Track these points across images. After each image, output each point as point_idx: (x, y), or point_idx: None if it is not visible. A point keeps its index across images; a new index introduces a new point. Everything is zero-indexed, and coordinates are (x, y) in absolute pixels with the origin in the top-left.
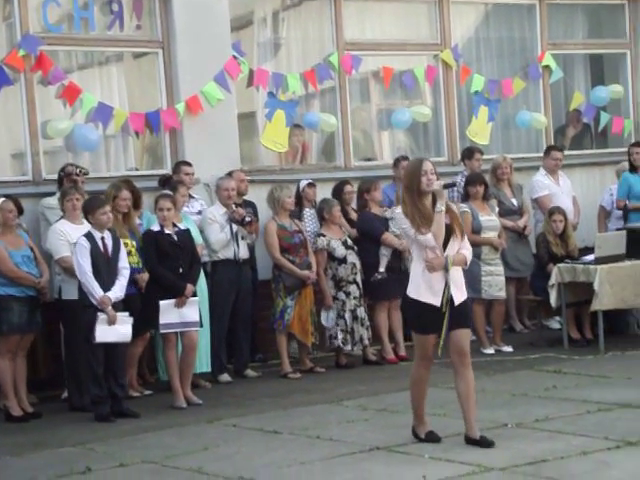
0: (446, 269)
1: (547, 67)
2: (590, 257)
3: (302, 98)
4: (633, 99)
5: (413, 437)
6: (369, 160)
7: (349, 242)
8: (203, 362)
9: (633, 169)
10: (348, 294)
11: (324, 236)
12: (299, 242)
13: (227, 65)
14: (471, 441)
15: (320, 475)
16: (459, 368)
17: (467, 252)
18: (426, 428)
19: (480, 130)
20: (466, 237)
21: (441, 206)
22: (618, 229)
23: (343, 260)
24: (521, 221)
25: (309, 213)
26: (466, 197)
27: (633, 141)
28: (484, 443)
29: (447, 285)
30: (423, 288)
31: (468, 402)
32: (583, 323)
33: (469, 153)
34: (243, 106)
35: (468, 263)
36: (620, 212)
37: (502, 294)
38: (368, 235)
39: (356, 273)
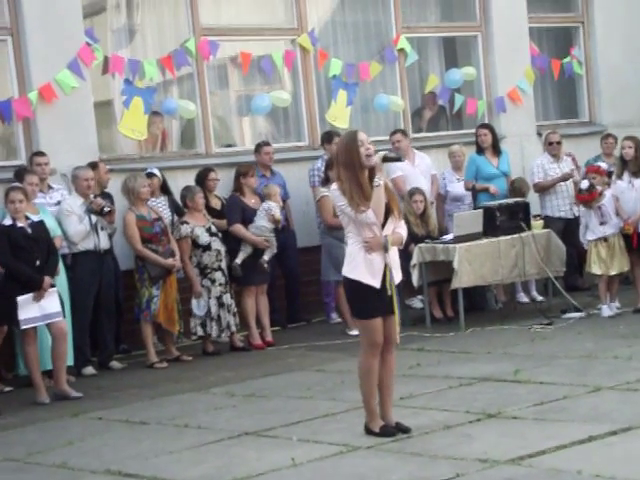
0: (385, 249)
1: (402, 50)
2: (449, 236)
3: (160, 85)
4: (485, 81)
5: (366, 433)
6: (230, 146)
7: (213, 229)
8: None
9: (480, 150)
10: (213, 281)
11: (187, 223)
12: (160, 231)
13: (80, 52)
14: (386, 428)
15: (189, 463)
16: (384, 354)
17: (403, 231)
18: (379, 422)
19: (339, 114)
20: (401, 217)
21: (379, 180)
22: (476, 208)
23: (207, 247)
24: None
25: (157, 202)
26: (327, 181)
27: (487, 122)
28: (401, 429)
29: (387, 266)
30: (362, 269)
31: (388, 389)
32: (444, 301)
33: (328, 137)
34: (99, 94)
35: (404, 243)
36: (456, 193)
37: None
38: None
39: (221, 260)
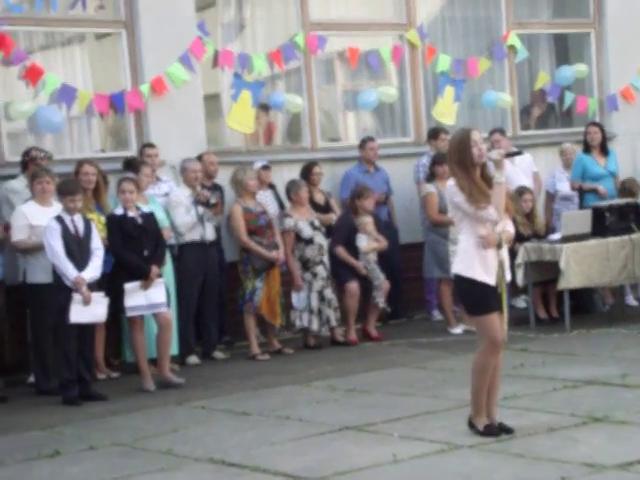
0: (500, 246)
1: (512, 47)
2: (556, 236)
3: (268, 79)
4: (597, 78)
5: (469, 428)
6: (335, 141)
7: (316, 223)
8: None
9: (587, 149)
10: (315, 275)
11: (291, 217)
12: (265, 223)
13: (192, 46)
14: (490, 427)
15: (290, 455)
16: None
17: (512, 229)
18: (484, 420)
19: (446, 110)
20: (511, 214)
21: (501, 177)
22: (583, 208)
23: (310, 241)
24: None
25: (264, 195)
26: (432, 177)
27: (598, 120)
28: (504, 429)
29: (500, 263)
30: (477, 266)
31: (495, 388)
32: (549, 302)
33: (434, 133)
34: (209, 87)
35: (512, 241)
36: (565, 192)
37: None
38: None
39: (323, 254)
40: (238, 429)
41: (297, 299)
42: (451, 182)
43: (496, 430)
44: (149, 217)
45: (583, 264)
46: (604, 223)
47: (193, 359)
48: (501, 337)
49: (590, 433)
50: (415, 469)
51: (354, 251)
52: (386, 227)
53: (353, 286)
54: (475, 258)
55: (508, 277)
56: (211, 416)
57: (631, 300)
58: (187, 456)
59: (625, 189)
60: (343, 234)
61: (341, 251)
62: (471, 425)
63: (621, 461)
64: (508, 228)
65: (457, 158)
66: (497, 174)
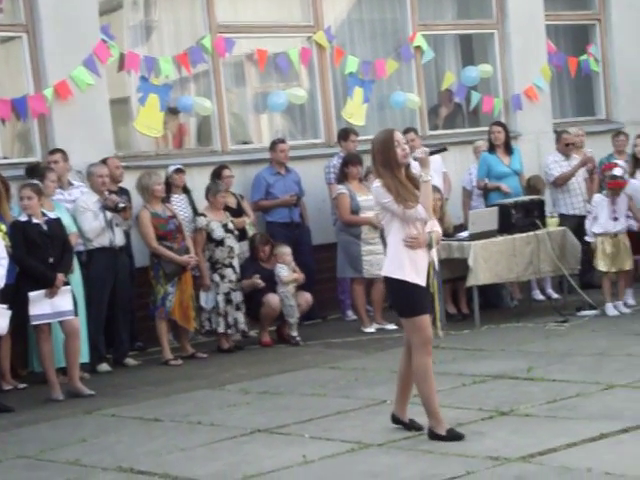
0: (430, 246)
1: (419, 48)
2: (464, 234)
3: (176, 82)
4: (502, 78)
5: (430, 439)
6: (246, 143)
7: (229, 226)
8: (81, 352)
9: (492, 148)
10: (223, 277)
11: (205, 216)
12: (174, 228)
13: (96, 49)
14: (453, 431)
15: (201, 460)
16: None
17: (439, 229)
18: (444, 426)
19: (356, 111)
20: (435, 215)
21: (427, 175)
22: (489, 206)
23: (221, 242)
24: None
25: (178, 199)
26: (343, 178)
27: (503, 120)
28: (415, 426)
29: (431, 264)
30: (408, 267)
31: (409, 386)
32: (459, 298)
33: (344, 134)
34: (116, 91)
35: (440, 241)
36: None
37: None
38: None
39: (233, 257)
40: (149, 436)
41: (205, 299)
42: (377, 183)
43: (459, 432)
44: (55, 223)
45: (491, 261)
46: (510, 220)
47: (104, 367)
48: (431, 335)
49: (496, 427)
50: (325, 469)
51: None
52: (298, 228)
53: (273, 300)
54: (405, 259)
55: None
56: (121, 424)
57: (538, 295)
58: (95, 466)
59: (531, 186)
60: (248, 272)
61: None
62: (432, 434)
63: (524, 453)
64: (436, 228)
65: (381, 159)
66: (423, 173)
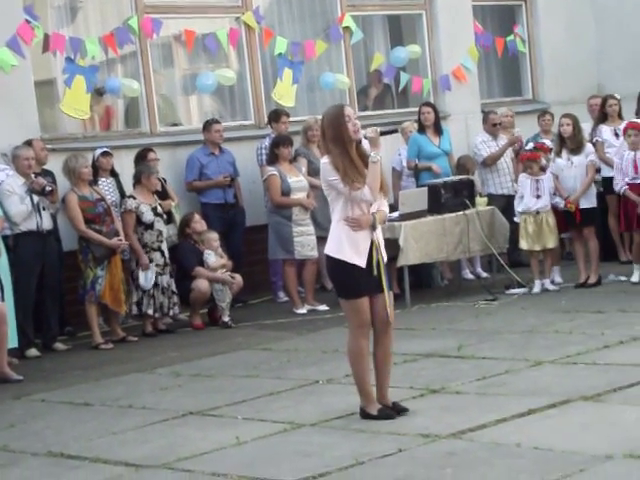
0: (373, 227)
1: (347, 28)
2: (395, 214)
3: (103, 63)
4: (430, 59)
5: (362, 418)
6: (175, 125)
7: (159, 209)
8: (10, 337)
9: (422, 129)
10: (151, 261)
11: (134, 199)
12: (103, 211)
13: (20, 29)
14: (384, 410)
15: (132, 444)
16: (379, 335)
17: (386, 209)
18: (376, 405)
19: (286, 92)
20: (387, 195)
21: (376, 155)
22: (419, 186)
23: (150, 226)
24: None
25: (105, 182)
26: (274, 159)
27: (432, 100)
28: (398, 409)
29: (374, 244)
30: (347, 247)
31: (385, 369)
32: (390, 278)
33: (275, 116)
34: (41, 72)
35: (386, 221)
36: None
37: (314, 253)
38: (182, 268)
39: (162, 241)
40: (79, 421)
41: (144, 278)
42: (325, 160)
43: (391, 412)
44: None
45: (421, 241)
46: (440, 200)
47: (33, 352)
48: (368, 319)
49: (427, 404)
50: (257, 450)
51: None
52: (232, 208)
53: (202, 285)
54: (345, 239)
55: (385, 258)
56: (51, 409)
57: (467, 274)
58: (24, 451)
59: (460, 166)
60: (192, 260)
61: (202, 271)
62: (364, 414)
63: (455, 430)
64: (383, 208)
65: (332, 135)
66: (372, 152)
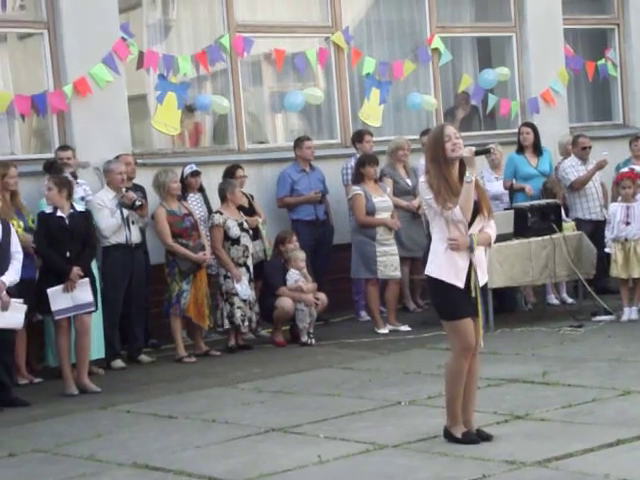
0: (471, 249)
1: (436, 50)
2: None
3: (194, 80)
4: (519, 81)
5: (445, 439)
6: (262, 143)
7: (245, 225)
8: (96, 348)
9: (521, 149)
10: None
11: (221, 214)
12: (190, 225)
13: (116, 46)
14: (469, 434)
15: (215, 458)
16: (470, 358)
17: (492, 231)
18: (461, 428)
19: (372, 112)
20: (492, 216)
21: (471, 175)
22: (506, 209)
23: (236, 241)
24: (415, 201)
25: (193, 198)
26: (359, 178)
27: (520, 123)
28: (482, 436)
29: (472, 266)
30: (445, 268)
31: (472, 394)
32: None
33: (359, 136)
34: (134, 88)
35: (492, 243)
36: (494, 192)
37: (397, 274)
38: (267, 284)
39: (247, 256)
40: (163, 433)
41: (241, 289)
42: (422, 179)
43: (475, 437)
44: (79, 217)
45: (506, 264)
46: (526, 223)
47: (118, 363)
48: (473, 342)
49: (511, 430)
50: (339, 469)
51: None
52: (323, 226)
53: (286, 304)
54: (444, 260)
55: (483, 280)
56: (136, 420)
57: (552, 299)
58: (110, 461)
59: (547, 189)
60: (280, 278)
61: (285, 291)
62: (447, 435)
63: (540, 458)
64: (488, 230)
65: (431, 155)
66: (467, 172)
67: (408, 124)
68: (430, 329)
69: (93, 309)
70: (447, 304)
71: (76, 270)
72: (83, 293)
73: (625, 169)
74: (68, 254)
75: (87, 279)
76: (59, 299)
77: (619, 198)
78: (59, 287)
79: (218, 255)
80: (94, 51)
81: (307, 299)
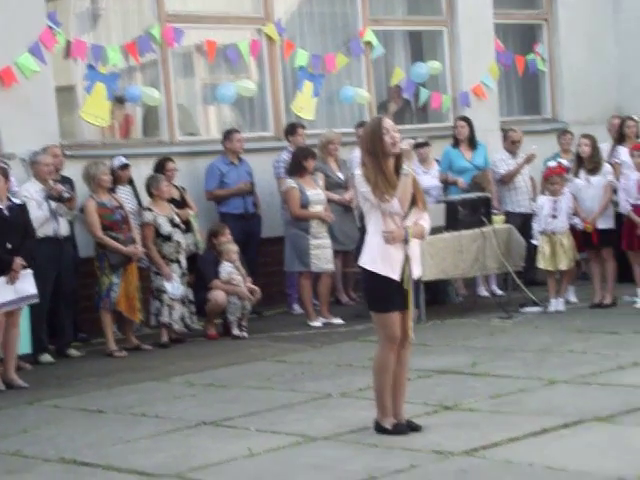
0: (406, 241)
1: (369, 43)
2: None
3: (123, 71)
4: (450, 75)
5: (376, 431)
6: (194, 135)
7: (176, 220)
8: (23, 343)
9: (456, 143)
10: None
11: (151, 211)
12: (121, 218)
13: (42, 36)
14: (399, 426)
15: (144, 452)
16: (399, 350)
17: (426, 224)
18: (391, 420)
19: (305, 105)
20: (426, 209)
21: (408, 168)
22: (438, 202)
23: (168, 238)
24: (347, 194)
25: (123, 190)
26: (296, 171)
27: (451, 117)
28: (411, 427)
29: (407, 259)
30: (379, 260)
31: (402, 386)
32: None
33: (292, 129)
34: (61, 79)
35: (426, 236)
36: (424, 186)
37: (330, 267)
38: (201, 278)
39: (180, 252)
40: (92, 428)
41: (172, 287)
42: (358, 171)
43: (405, 429)
44: (18, 209)
45: (437, 257)
46: (457, 217)
47: (46, 357)
48: (398, 333)
49: (440, 421)
50: (270, 462)
51: None
52: (252, 219)
53: (219, 297)
54: (378, 252)
55: (417, 272)
56: (64, 415)
57: (483, 291)
58: (37, 457)
59: (476, 184)
60: (212, 271)
61: (218, 284)
62: (378, 427)
63: (467, 447)
64: (422, 222)
65: (368, 147)
66: (404, 165)
67: (341, 117)
68: (362, 322)
69: (37, 300)
70: (378, 296)
71: (19, 261)
72: (26, 285)
73: (553, 163)
74: (9, 246)
75: (30, 270)
76: (2, 291)
77: (546, 192)
78: (2, 279)
79: (149, 253)
80: (20, 40)
81: (241, 292)
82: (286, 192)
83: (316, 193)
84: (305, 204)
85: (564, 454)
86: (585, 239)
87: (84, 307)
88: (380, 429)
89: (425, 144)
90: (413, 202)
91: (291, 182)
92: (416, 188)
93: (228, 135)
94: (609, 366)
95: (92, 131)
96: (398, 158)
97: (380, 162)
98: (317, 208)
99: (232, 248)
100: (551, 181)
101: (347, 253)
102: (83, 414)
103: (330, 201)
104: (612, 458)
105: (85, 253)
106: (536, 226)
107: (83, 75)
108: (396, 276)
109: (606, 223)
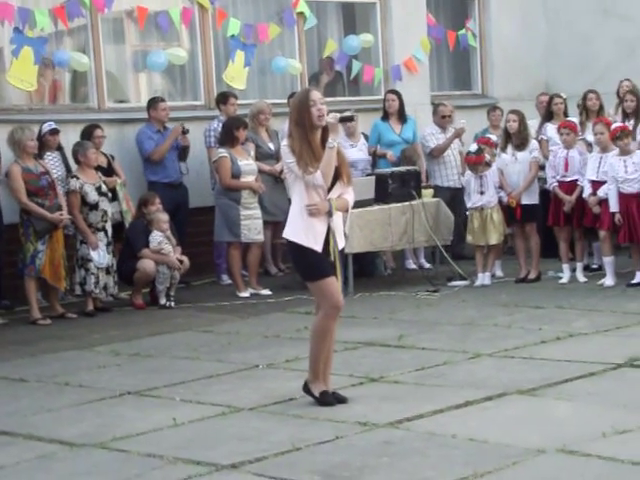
0: (330, 214)
1: (301, 14)
2: None
3: (51, 35)
4: (382, 48)
5: (304, 393)
6: (123, 102)
7: (103, 188)
8: None
9: (386, 116)
10: None
11: (78, 178)
12: (47, 184)
13: None
14: (326, 395)
15: (67, 421)
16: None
17: (350, 197)
18: (320, 386)
19: (237, 75)
20: (351, 182)
21: (333, 141)
22: (368, 174)
23: (95, 206)
24: (278, 165)
25: (51, 157)
26: (228, 141)
27: (383, 90)
28: (338, 399)
29: (330, 231)
30: (302, 232)
31: (330, 355)
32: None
33: (224, 98)
34: None
35: (350, 209)
36: (349, 159)
37: (260, 237)
38: (130, 246)
39: (106, 221)
40: (13, 397)
41: (97, 256)
42: (284, 142)
43: (331, 399)
44: None
45: (366, 229)
46: (387, 190)
47: None
48: (340, 300)
49: (366, 393)
50: (194, 432)
51: None
52: (180, 187)
53: (148, 266)
54: (301, 224)
55: (341, 244)
56: None
57: (411, 264)
58: None
59: (406, 157)
60: (142, 240)
61: (148, 253)
62: (307, 390)
63: (392, 419)
64: (346, 196)
65: (295, 118)
66: (330, 138)
67: (272, 88)
68: (291, 293)
69: None
70: (308, 266)
71: None
72: None
73: (474, 147)
74: None
75: None
76: None
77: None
78: None
79: (75, 221)
80: None
81: (171, 261)
82: (217, 162)
83: (247, 163)
84: (236, 174)
85: (487, 426)
86: (510, 214)
87: (8, 274)
88: (308, 392)
89: (351, 118)
90: (338, 175)
91: (222, 152)
92: (341, 161)
93: (153, 104)
94: (532, 340)
95: (18, 95)
96: (325, 131)
97: (307, 134)
98: (248, 178)
99: (162, 217)
100: (472, 169)
101: (277, 224)
102: (5, 382)
103: (261, 172)
104: (533, 431)
105: (9, 219)
106: (467, 199)
107: (10, 38)
108: (319, 248)
109: (530, 199)
